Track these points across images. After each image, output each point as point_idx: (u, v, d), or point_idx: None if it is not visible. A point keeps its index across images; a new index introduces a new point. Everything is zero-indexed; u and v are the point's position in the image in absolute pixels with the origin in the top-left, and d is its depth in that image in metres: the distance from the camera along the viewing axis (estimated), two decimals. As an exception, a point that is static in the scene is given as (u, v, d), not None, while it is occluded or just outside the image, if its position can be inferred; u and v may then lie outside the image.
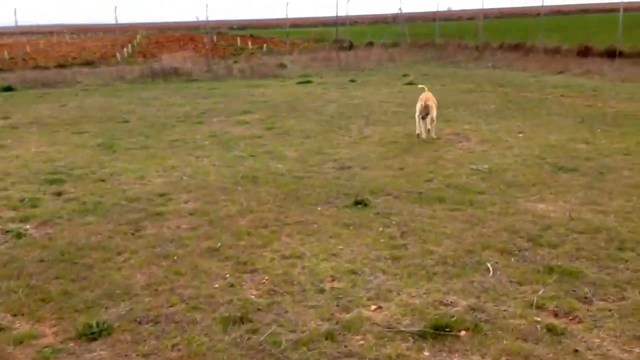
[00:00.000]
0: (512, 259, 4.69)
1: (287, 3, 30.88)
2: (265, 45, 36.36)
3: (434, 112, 9.43)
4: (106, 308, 4.15)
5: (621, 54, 19.38)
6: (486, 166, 7.54)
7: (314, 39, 43.97)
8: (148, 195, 6.88)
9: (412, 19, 46.28)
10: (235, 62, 27.02)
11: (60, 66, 25.58)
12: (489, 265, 4.58)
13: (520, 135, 9.43)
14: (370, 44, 33.39)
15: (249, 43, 40.15)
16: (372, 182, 7.12)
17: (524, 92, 14.25)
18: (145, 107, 14.06)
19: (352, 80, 18.74)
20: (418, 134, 9.57)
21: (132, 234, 5.68)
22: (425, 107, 9.35)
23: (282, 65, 23.51)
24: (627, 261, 4.54)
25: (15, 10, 25.16)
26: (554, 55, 21.39)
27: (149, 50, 40.57)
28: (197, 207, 6.41)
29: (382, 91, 15.76)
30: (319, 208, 6.22)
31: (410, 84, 17.15)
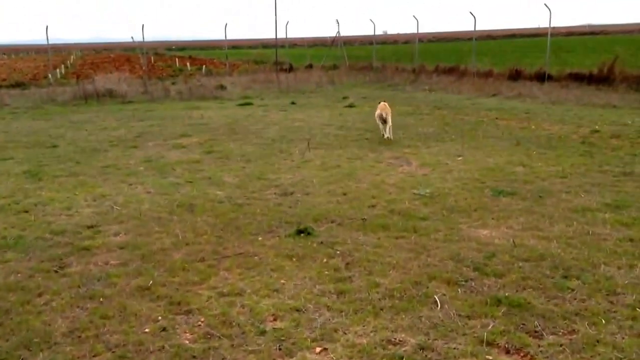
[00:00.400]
0: (460, 290, 4.50)
1: (226, 24, 30.45)
2: (204, 66, 35.85)
3: (389, 119, 11.56)
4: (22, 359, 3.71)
5: (550, 77, 19.98)
6: (428, 191, 7.41)
7: (254, 60, 43.79)
8: (75, 228, 6.39)
9: (350, 42, 46.76)
10: (173, 83, 26.42)
11: (-12, 87, 24.32)
12: (436, 297, 4.38)
13: (460, 158, 9.40)
14: (310, 66, 33.41)
15: (188, 64, 39.53)
16: (315, 208, 6.87)
17: (460, 115, 14.39)
18: (76, 131, 13.39)
19: (292, 103, 18.55)
20: (382, 135, 11.66)
21: (56, 272, 5.22)
22: (380, 115, 11.58)
23: (222, 87, 23.11)
24: (573, 290, 4.42)
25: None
26: (486, 79, 21.86)
27: (83, 71, 39.33)
28: (128, 239, 5.98)
29: (323, 114, 15.61)
30: (260, 238, 5.91)
31: (350, 106, 17.10)
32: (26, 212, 7.08)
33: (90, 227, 6.44)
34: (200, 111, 16.78)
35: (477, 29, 25.34)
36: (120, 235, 6.15)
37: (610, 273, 4.69)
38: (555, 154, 9.42)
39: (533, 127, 12.21)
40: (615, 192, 7.11)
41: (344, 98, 19.47)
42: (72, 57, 58.19)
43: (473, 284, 4.60)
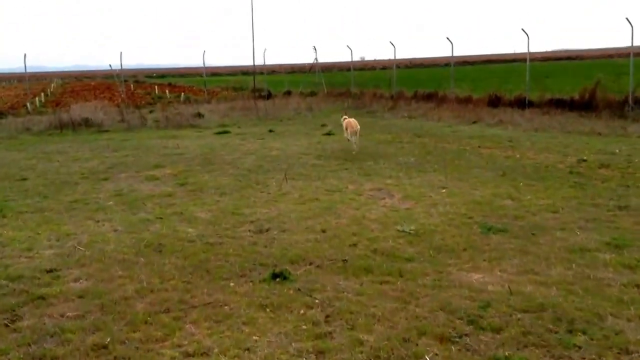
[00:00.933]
0: (453, 348, 3.97)
1: (204, 52, 30.03)
2: (183, 93, 35.31)
3: (357, 131, 13.20)
4: None
5: (531, 104, 19.73)
6: (412, 227, 6.90)
7: (232, 87, 43.41)
8: (33, 272, 5.77)
9: (328, 69, 46.61)
10: (151, 111, 25.82)
11: (-39, 116, 23.48)
12: (427, 358, 3.84)
13: (444, 190, 8.93)
14: (289, 93, 33.07)
15: (167, 91, 38.96)
16: (292, 248, 6.32)
17: (442, 143, 13.98)
18: (48, 163, 12.73)
19: (270, 131, 18.05)
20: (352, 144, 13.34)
21: (6, 326, 4.62)
22: (355, 131, 13.19)
23: (199, 115, 22.55)
24: (580, 348, 3.91)
25: None
26: (466, 105, 21.59)
27: (63, 99, 38.54)
28: (88, 286, 5.37)
29: (301, 142, 15.12)
30: (232, 283, 5.34)
31: (329, 134, 16.65)
32: (-20, 255, 6.44)
33: (49, 271, 5.83)
34: (177, 140, 16.19)
35: (454, 54, 25.24)
36: (81, 281, 5.54)
37: (620, 326, 4.18)
38: (544, 186, 8.97)
39: (518, 156, 11.80)
40: (612, 229, 6.63)
41: (323, 125, 19.03)
42: (52, 85, 57.31)
43: (468, 340, 4.07)
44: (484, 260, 5.76)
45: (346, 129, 13.57)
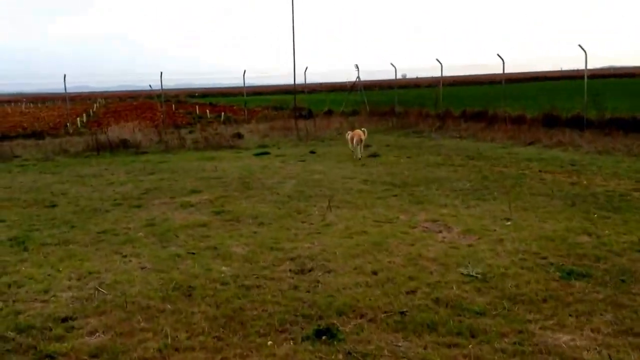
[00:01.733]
0: None
1: (244, 71, 29.71)
2: (223, 113, 35.06)
3: (362, 140, 15.50)
4: None
5: (590, 123, 18.49)
6: (479, 270, 6.00)
7: (272, 107, 43.12)
8: (46, 322, 5.10)
9: (369, 87, 45.82)
10: (191, 131, 25.52)
11: (4, 138, 23.59)
12: None
13: (509, 223, 7.97)
14: (330, 112, 32.46)
15: (207, 111, 38.86)
16: (339, 294, 5.49)
17: (498, 167, 12.98)
18: (81, 187, 12.26)
19: (312, 152, 17.35)
20: (355, 156, 15.38)
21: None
22: (352, 138, 15.65)
23: (239, 135, 22.07)
24: None
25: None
26: (519, 125, 20.47)
27: (104, 119, 38.88)
28: (104, 342, 4.66)
29: (345, 165, 14.34)
30: (270, 342, 4.55)
31: (374, 155, 15.83)
32: (-6, 296, 5.83)
33: (64, 319, 5.15)
34: (215, 162, 15.62)
35: (499, 72, 24.19)
36: (97, 334, 4.83)
37: None
38: (622, 218, 7.92)
39: (585, 182, 10.72)
40: None
41: (366, 147, 18.22)
42: (95, 105, 58.24)
43: None
44: (570, 315, 4.82)
45: (351, 139, 15.79)
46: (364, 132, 16.00)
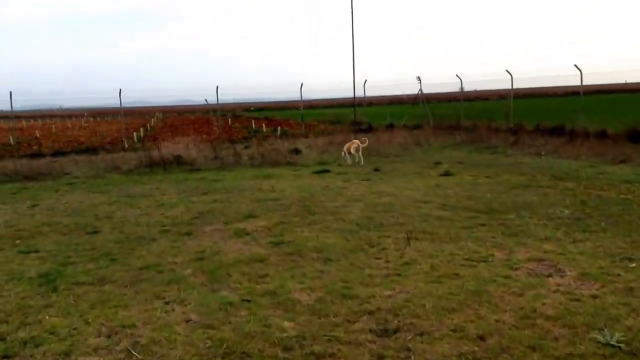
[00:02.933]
0: None
1: (302, 84, 28.70)
2: (279, 127, 34.18)
3: (352, 148, 17.80)
4: None
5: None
6: (621, 336, 4.52)
7: (329, 120, 42.06)
8: (60, 400, 3.95)
9: (429, 100, 44.10)
10: (247, 146, 24.64)
11: (58, 153, 23.30)
12: None
13: (633, 265, 6.42)
14: (391, 126, 31.06)
15: (264, 125, 38.10)
16: (440, 372, 4.14)
17: (593, 189, 11.29)
18: (129, 209, 11.32)
19: (376, 170, 16.01)
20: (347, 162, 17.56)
21: None
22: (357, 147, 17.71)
23: (296, 151, 20.96)
24: None
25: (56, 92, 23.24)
26: (603, 140, 18.57)
27: (161, 134, 38.71)
28: None
29: (416, 185, 12.93)
30: None
31: (446, 174, 14.36)
32: (7, 358, 4.75)
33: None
34: (272, 181, 14.50)
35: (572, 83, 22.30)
36: None
37: None
38: None
39: None
40: None
41: (437, 164, 16.76)
42: (153, 119, 58.65)
43: None
44: None
45: (349, 146, 18.24)
46: (364, 141, 18.62)
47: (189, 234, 9.01)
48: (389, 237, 8.25)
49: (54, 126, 52.57)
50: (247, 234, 8.83)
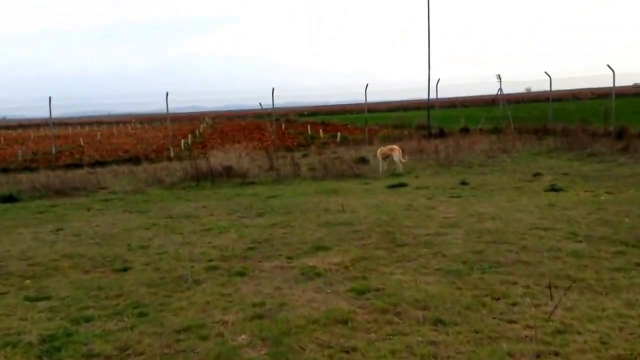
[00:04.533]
0: None
1: (367, 85, 26.82)
2: (339, 133, 32.35)
3: (395, 155, 17.02)
4: None
5: None
6: None
7: (392, 125, 40.06)
8: None
9: (508, 101, 41.48)
10: (305, 154, 22.93)
11: (98, 164, 22.15)
12: None
13: None
14: (466, 130, 28.76)
15: (321, 131, 36.34)
16: None
17: None
18: (169, 235, 9.67)
19: (463, 183, 13.93)
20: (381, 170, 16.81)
21: None
22: (384, 152, 17.27)
23: (363, 160, 19.08)
24: None
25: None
26: None
27: (210, 140, 37.54)
28: None
29: (523, 203, 10.82)
30: None
31: (555, 189, 12.17)
32: None
33: None
34: (339, 198, 12.65)
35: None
36: None
37: None
38: None
39: None
40: None
41: (536, 175, 14.55)
42: (202, 125, 57.93)
43: None
44: None
45: (386, 152, 17.47)
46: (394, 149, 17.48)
47: (242, 273, 7.23)
48: (515, 283, 6.25)
49: (99, 133, 52.38)
50: (319, 274, 6.97)
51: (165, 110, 27.51)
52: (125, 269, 7.71)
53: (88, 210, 12.74)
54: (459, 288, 6.20)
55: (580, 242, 7.79)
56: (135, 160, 22.75)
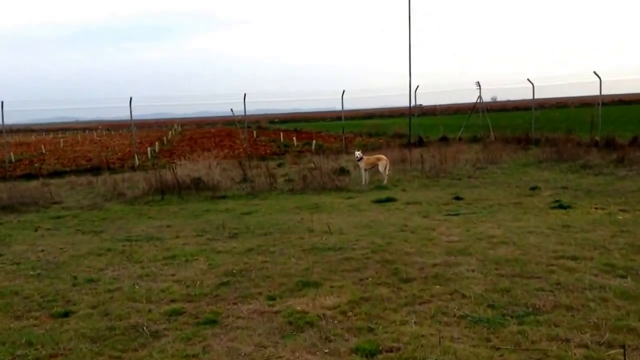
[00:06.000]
0: None
1: (343, 91, 25.43)
2: (314, 141, 30.87)
3: (382, 166, 15.57)
4: None
5: None
6: None
7: (367, 132, 38.83)
8: None
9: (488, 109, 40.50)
10: (280, 164, 21.37)
11: (56, 174, 20.25)
12: None
13: None
14: (445, 138, 27.56)
15: (294, 139, 34.79)
16: None
17: None
18: (125, 265, 8.01)
19: (457, 197, 12.54)
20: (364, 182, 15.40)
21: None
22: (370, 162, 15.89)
23: (343, 171, 17.61)
24: None
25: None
26: None
27: (178, 148, 35.73)
28: None
29: (532, 223, 9.44)
30: None
31: (562, 206, 10.85)
32: None
33: None
34: (323, 215, 11.15)
35: None
36: None
37: None
38: None
39: None
40: None
41: (534, 189, 13.24)
42: (170, 132, 55.90)
43: None
44: None
45: (372, 162, 16.01)
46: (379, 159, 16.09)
47: (213, 321, 5.65)
48: (566, 340, 4.81)
49: (62, 140, 49.98)
50: (311, 324, 5.44)
51: (128, 117, 25.63)
52: (66, 314, 6.06)
53: (35, 230, 10.98)
54: (497, 348, 4.72)
55: (624, 277, 6.39)
56: (96, 170, 20.88)
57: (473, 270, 6.89)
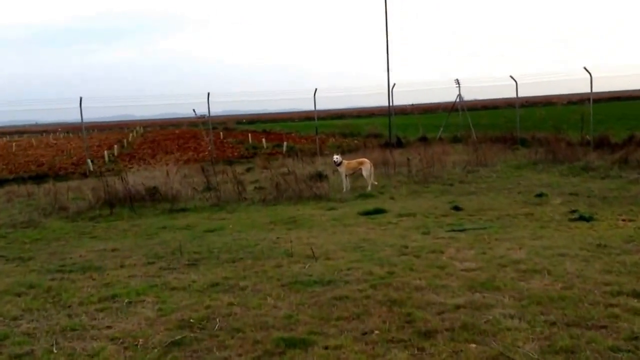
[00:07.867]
0: None
1: (316, 89, 23.66)
2: (285, 143, 29.02)
3: (365, 171, 13.83)
4: None
5: None
6: None
7: (341, 133, 37.17)
8: None
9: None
10: (248, 169, 19.49)
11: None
12: None
13: None
14: (424, 139, 26.00)
15: (264, 140, 32.86)
16: None
17: None
18: (48, 311, 6.06)
19: (456, 208, 10.85)
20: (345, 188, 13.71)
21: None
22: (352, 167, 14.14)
23: (321, 176, 15.79)
24: None
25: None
26: None
27: (139, 151, 33.54)
28: None
29: (556, 242, 7.75)
30: None
31: (582, 218, 9.24)
32: None
33: None
34: (302, 232, 9.36)
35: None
36: None
37: None
38: None
39: None
40: None
41: (540, 196, 11.64)
42: (130, 134, 53.38)
43: None
44: None
45: (354, 166, 14.28)
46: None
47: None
48: None
49: (14, 144, 47.11)
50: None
51: (90, 119, 23.48)
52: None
53: (-52, 257, 8.93)
54: None
55: None
56: (41, 177, 18.68)
57: (512, 317, 5.16)
